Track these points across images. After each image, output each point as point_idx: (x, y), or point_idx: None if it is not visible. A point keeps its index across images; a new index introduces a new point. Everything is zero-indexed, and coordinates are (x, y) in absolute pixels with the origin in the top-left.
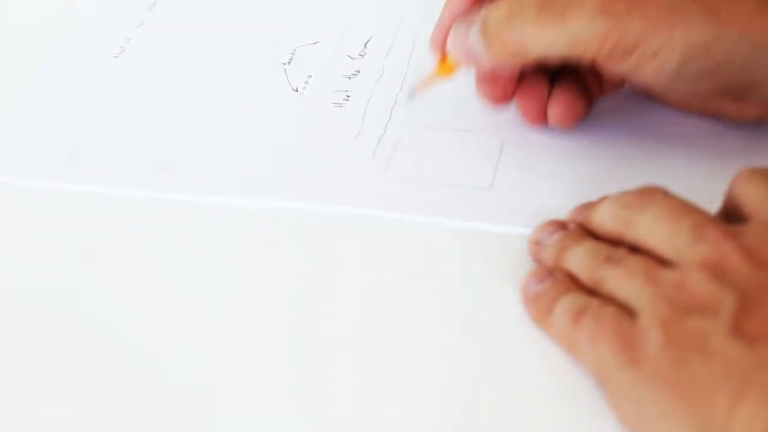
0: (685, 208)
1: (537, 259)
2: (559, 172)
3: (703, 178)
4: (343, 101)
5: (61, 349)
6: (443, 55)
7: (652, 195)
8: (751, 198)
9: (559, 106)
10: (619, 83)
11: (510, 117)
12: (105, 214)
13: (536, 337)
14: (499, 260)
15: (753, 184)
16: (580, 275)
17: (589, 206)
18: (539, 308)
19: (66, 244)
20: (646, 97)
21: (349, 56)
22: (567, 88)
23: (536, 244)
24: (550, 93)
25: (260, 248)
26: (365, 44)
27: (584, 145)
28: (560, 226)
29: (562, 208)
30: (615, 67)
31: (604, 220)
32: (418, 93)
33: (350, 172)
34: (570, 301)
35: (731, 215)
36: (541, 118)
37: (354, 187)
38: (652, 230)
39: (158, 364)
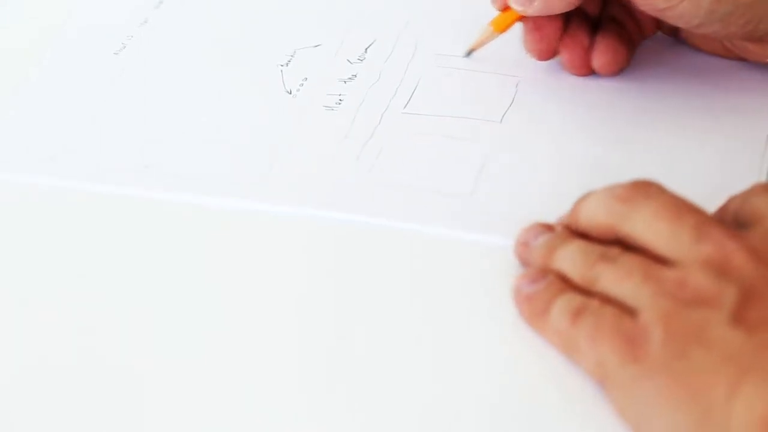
0: (684, 206)
1: (524, 261)
2: (544, 181)
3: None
4: (335, 105)
5: (58, 350)
6: (505, 8)
7: (647, 189)
8: (759, 207)
9: (602, 54)
10: (655, 26)
11: (495, 126)
12: (91, 212)
13: (525, 339)
14: (482, 266)
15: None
16: (572, 275)
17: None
18: (534, 308)
19: (56, 241)
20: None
21: (348, 60)
22: (609, 36)
23: (523, 245)
24: (592, 43)
25: (243, 249)
26: (366, 49)
27: (569, 152)
28: (546, 228)
29: (547, 216)
30: (649, 4)
31: (595, 212)
32: (475, 50)
33: (333, 175)
34: (567, 301)
35: (728, 222)
36: (585, 67)
37: (336, 189)
38: (650, 227)
39: (150, 365)
